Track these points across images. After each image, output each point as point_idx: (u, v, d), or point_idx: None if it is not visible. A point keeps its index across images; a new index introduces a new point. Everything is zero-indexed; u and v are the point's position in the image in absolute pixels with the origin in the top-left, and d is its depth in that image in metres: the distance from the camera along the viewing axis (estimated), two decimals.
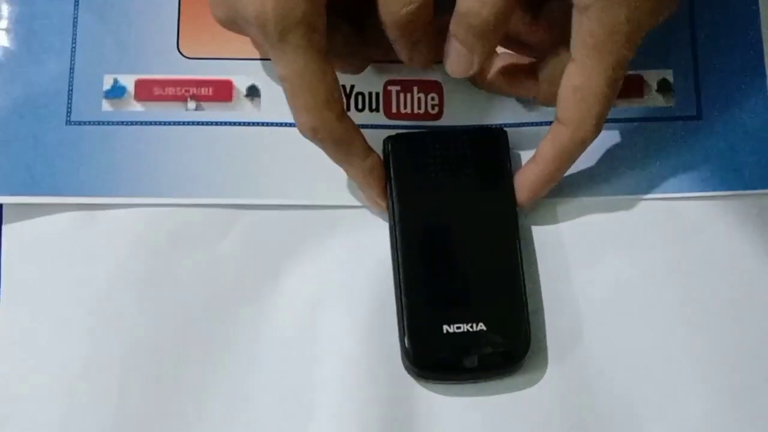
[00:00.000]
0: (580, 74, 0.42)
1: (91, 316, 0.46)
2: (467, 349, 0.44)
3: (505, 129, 0.47)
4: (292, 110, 0.42)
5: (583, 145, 0.44)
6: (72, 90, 0.48)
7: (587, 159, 0.47)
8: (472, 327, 0.44)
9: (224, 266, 0.46)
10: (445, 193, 0.46)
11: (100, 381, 0.45)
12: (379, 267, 0.46)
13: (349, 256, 0.47)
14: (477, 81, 0.48)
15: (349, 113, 0.48)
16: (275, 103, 0.48)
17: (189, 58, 0.49)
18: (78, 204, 0.47)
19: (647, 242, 0.47)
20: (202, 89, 0.48)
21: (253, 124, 0.48)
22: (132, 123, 0.48)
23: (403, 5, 0.41)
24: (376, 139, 0.47)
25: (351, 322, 0.46)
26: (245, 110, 0.48)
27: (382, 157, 0.46)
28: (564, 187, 0.47)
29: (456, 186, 0.46)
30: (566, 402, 0.45)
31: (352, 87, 0.49)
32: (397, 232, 0.45)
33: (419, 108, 0.49)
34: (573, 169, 0.46)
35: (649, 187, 0.47)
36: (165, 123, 0.48)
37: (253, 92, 0.49)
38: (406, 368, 0.45)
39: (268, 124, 0.48)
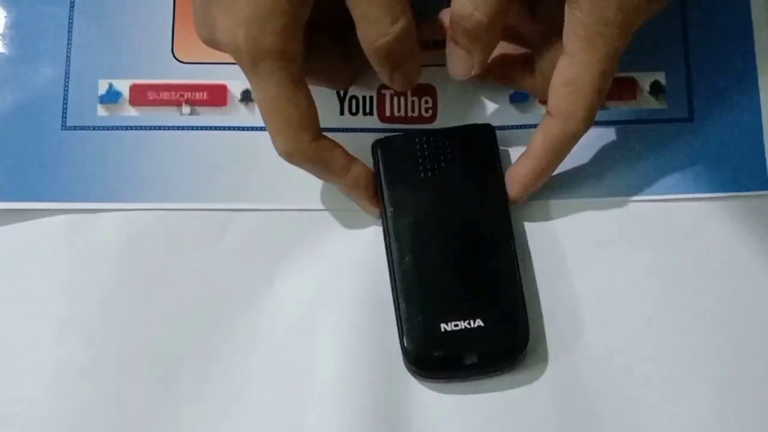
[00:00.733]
0: (572, 67, 0.42)
1: (87, 320, 0.46)
2: (466, 346, 0.44)
3: (494, 126, 0.47)
4: (269, 132, 0.43)
5: (574, 138, 0.44)
6: (67, 95, 0.48)
7: (580, 159, 0.47)
8: (469, 324, 0.44)
9: (219, 270, 0.47)
10: (437, 193, 0.46)
11: (95, 384, 0.45)
12: (376, 268, 0.46)
13: (344, 259, 0.47)
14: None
15: (342, 117, 0.48)
16: None
17: (184, 62, 0.49)
18: (73, 209, 0.47)
19: (640, 243, 0.47)
20: (197, 94, 0.49)
21: (248, 128, 0.48)
22: (127, 128, 0.48)
23: (379, 36, 0.42)
24: (369, 142, 0.47)
25: (348, 324, 0.46)
26: (240, 114, 0.48)
27: (371, 162, 0.46)
28: (556, 188, 0.47)
29: (447, 184, 0.46)
30: (565, 398, 0.45)
31: (346, 91, 0.49)
32: (391, 234, 0.45)
33: (413, 111, 0.49)
34: (566, 169, 0.47)
35: (642, 189, 0.47)
36: (160, 128, 0.48)
37: (247, 97, 0.49)
38: (406, 366, 0.45)
39: (262, 129, 0.47)
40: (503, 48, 0.47)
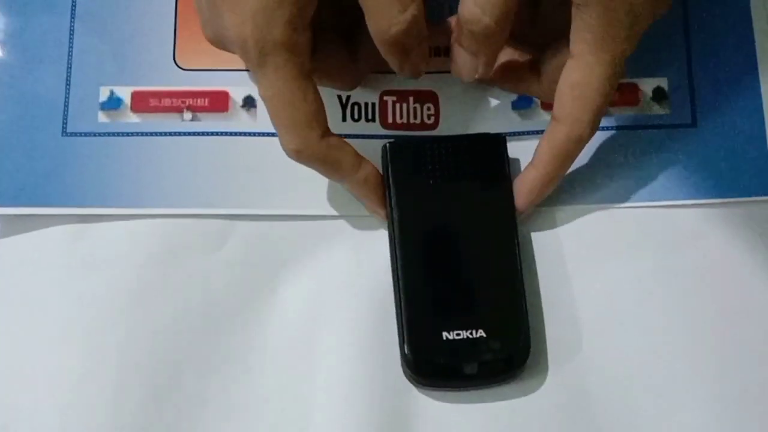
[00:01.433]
0: (579, 70, 0.42)
1: (87, 326, 0.45)
2: (467, 356, 0.43)
3: (505, 136, 0.47)
4: (276, 130, 0.43)
5: (579, 142, 0.44)
6: (68, 101, 0.48)
7: (583, 166, 0.47)
8: (471, 333, 0.44)
9: (221, 276, 0.46)
10: (444, 200, 0.46)
11: (96, 392, 0.45)
12: (377, 275, 0.46)
13: (346, 265, 0.47)
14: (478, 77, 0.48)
15: (344, 123, 0.48)
16: None
17: (185, 69, 0.49)
18: (74, 215, 0.47)
19: (643, 250, 0.47)
20: (198, 100, 0.49)
21: (250, 134, 0.48)
22: (128, 134, 0.48)
23: (391, 24, 0.41)
24: (372, 149, 0.47)
25: (350, 331, 0.45)
26: (241, 120, 0.48)
27: (379, 164, 0.46)
28: (560, 195, 0.47)
29: (455, 192, 0.46)
30: (566, 409, 0.44)
31: (348, 97, 0.49)
32: (396, 239, 0.45)
33: (415, 118, 0.49)
34: (569, 176, 0.46)
35: (645, 195, 0.47)
36: (161, 134, 0.48)
37: (249, 102, 0.49)
38: (406, 375, 0.45)
39: (264, 134, 0.48)
40: (508, 53, 0.47)
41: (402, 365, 0.44)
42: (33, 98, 0.48)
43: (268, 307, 0.46)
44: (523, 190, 0.45)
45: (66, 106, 0.48)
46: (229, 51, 0.43)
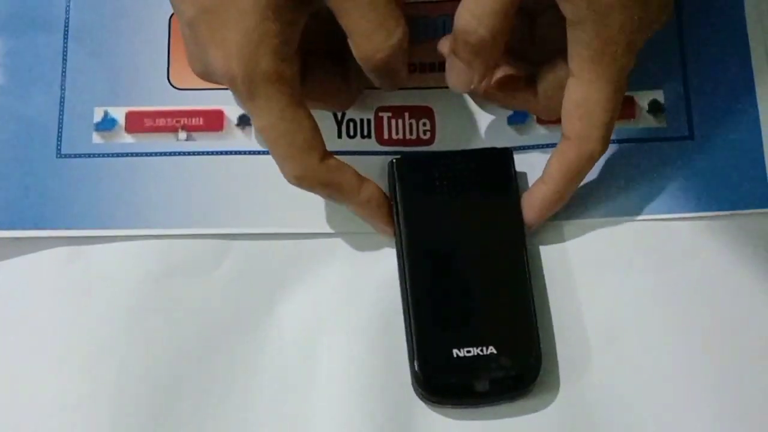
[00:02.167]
0: (581, 88, 0.42)
1: (84, 348, 0.45)
2: (478, 373, 0.43)
3: (512, 151, 0.47)
4: (275, 160, 0.42)
5: (591, 159, 0.44)
6: (62, 122, 0.48)
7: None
8: (482, 351, 0.43)
9: (218, 296, 0.46)
10: (452, 215, 0.46)
11: (94, 414, 0.44)
12: (379, 292, 0.46)
13: (345, 283, 0.46)
14: (475, 93, 0.48)
15: (340, 140, 0.48)
16: None
17: (179, 89, 0.49)
18: (69, 237, 0.47)
19: (642, 264, 0.47)
20: (193, 119, 0.48)
21: (245, 152, 0.48)
22: (123, 155, 0.48)
23: (377, 50, 0.42)
24: (368, 165, 0.47)
25: (351, 349, 0.45)
26: (236, 139, 0.48)
27: (378, 180, 0.46)
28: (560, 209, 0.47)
29: (463, 207, 0.46)
30: (576, 425, 0.44)
31: (343, 114, 0.49)
32: (405, 255, 0.45)
33: (411, 134, 0.49)
34: None
35: (642, 208, 0.47)
36: (156, 154, 0.48)
37: (243, 121, 0.48)
38: (416, 392, 0.44)
39: (259, 153, 0.48)
40: (504, 69, 0.47)
41: (412, 383, 0.44)
42: (27, 120, 0.48)
43: (267, 327, 0.46)
44: (533, 205, 0.45)
45: (60, 127, 0.48)
46: (218, 84, 0.43)
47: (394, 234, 0.46)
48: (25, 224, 0.46)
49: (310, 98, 0.43)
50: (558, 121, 0.44)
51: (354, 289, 0.46)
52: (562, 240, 0.47)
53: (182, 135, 0.48)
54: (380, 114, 0.49)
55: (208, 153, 0.48)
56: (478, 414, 0.44)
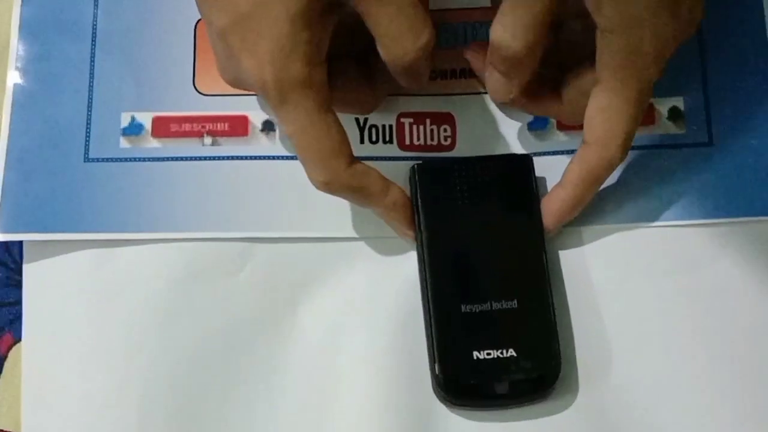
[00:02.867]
0: (607, 95, 0.43)
1: (112, 351, 0.46)
2: (498, 376, 0.44)
3: (532, 157, 0.47)
4: (302, 164, 0.43)
5: (610, 165, 0.44)
6: (90, 128, 0.49)
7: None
8: (502, 353, 0.44)
9: (242, 299, 0.47)
10: (473, 220, 0.46)
11: (120, 415, 0.45)
12: (400, 295, 0.46)
13: (367, 286, 0.47)
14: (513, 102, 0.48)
15: (362, 145, 0.49)
16: None
17: (205, 94, 0.49)
18: (97, 240, 0.47)
19: (663, 270, 0.47)
20: (218, 125, 0.49)
21: (269, 157, 0.49)
22: (149, 159, 0.48)
23: (406, 53, 0.42)
24: (390, 170, 0.47)
25: (373, 351, 0.46)
26: (261, 144, 0.49)
27: (407, 186, 0.46)
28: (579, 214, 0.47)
29: (483, 213, 0.46)
30: (596, 428, 0.45)
31: (366, 120, 0.49)
32: (426, 260, 0.45)
33: (432, 139, 0.49)
34: None
35: (661, 214, 0.47)
36: (182, 158, 0.48)
37: (268, 126, 0.49)
38: (437, 395, 0.45)
39: (284, 158, 0.48)
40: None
41: (433, 385, 0.45)
42: (55, 125, 0.49)
43: (290, 328, 0.46)
44: (552, 210, 0.46)
45: (88, 132, 0.49)
46: (248, 90, 0.43)
47: (415, 238, 0.46)
48: (54, 228, 0.47)
49: (335, 102, 0.44)
50: (578, 127, 0.45)
51: (376, 293, 0.47)
52: (581, 245, 0.47)
53: (208, 140, 0.49)
54: (402, 120, 0.49)
55: (232, 158, 0.48)
56: (497, 416, 0.45)
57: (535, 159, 0.48)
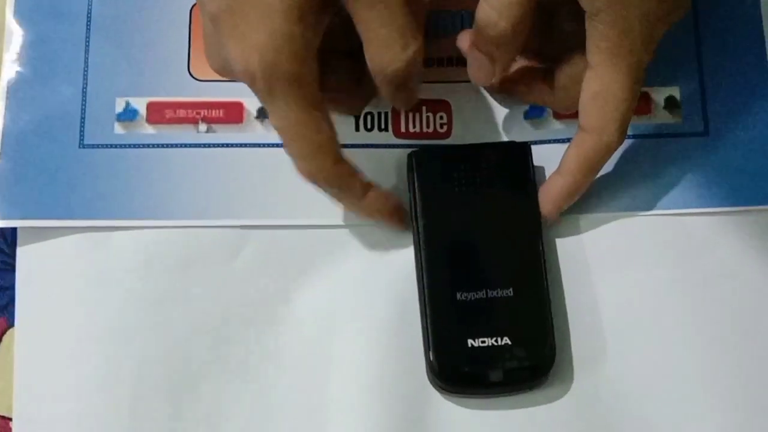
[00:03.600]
0: (599, 80, 0.43)
1: (105, 337, 0.46)
2: (492, 363, 0.44)
3: (530, 145, 0.47)
4: (289, 156, 0.43)
5: (608, 151, 0.44)
6: (84, 113, 0.49)
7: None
8: (497, 341, 0.44)
9: (236, 287, 0.47)
10: (470, 208, 0.46)
11: (113, 401, 0.45)
12: (396, 283, 0.46)
13: (362, 274, 0.47)
14: (492, 87, 0.48)
15: (357, 133, 0.49)
16: None
17: (200, 80, 0.49)
18: (91, 227, 0.47)
19: (658, 259, 0.47)
20: (213, 111, 0.49)
21: (264, 145, 0.48)
22: (144, 145, 0.48)
23: (392, 61, 0.41)
24: (385, 158, 0.47)
25: (367, 339, 0.46)
26: (256, 131, 0.49)
27: (395, 173, 0.46)
28: (575, 203, 0.47)
29: (480, 200, 0.46)
30: (590, 416, 0.45)
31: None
32: (422, 246, 0.45)
33: (428, 127, 0.49)
34: None
35: (657, 203, 0.47)
36: (177, 145, 0.48)
37: (263, 114, 0.49)
38: (432, 382, 0.45)
39: (278, 146, 0.48)
40: (522, 62, 0.48)
41: (427, 372, 0.45)
42: (50, 110, 0.48)
43: (284, 316, 0.46)
44: (549, 197, 0.46)
45: (83, 117, 0.49)
46: (236, 80, 0.43)
47: (406, 227, 0.46)
48: (48, 214, 0.47)
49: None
50: (575, 115, 0.45)
51: (371, 280, 0.47)
52: (578, 233, 0.47)
53: (202, 127, 0.49)
54: None
55: (227, 145, 0.48)
56: (492, 404, 0.45)
57: (532, 147, 0.48)
